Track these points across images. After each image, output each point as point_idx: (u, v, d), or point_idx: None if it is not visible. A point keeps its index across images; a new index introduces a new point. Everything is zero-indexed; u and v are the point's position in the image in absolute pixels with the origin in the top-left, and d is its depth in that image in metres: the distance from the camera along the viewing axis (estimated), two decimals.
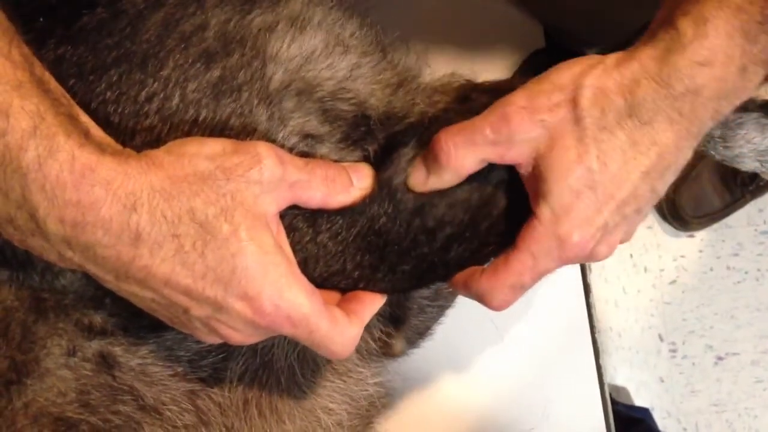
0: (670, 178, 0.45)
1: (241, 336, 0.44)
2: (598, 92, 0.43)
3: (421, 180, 0.47)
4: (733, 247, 1.49)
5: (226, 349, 0.51)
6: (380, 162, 0.49)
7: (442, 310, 0.68)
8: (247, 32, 0.48)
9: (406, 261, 0.48)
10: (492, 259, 0.48)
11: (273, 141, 0.47)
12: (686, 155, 0.45)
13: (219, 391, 0.52)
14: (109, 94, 0.46)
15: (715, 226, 1.48)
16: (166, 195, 0.40)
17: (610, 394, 1.29)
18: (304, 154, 0.48)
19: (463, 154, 0.45)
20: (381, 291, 0.50)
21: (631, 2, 0.78)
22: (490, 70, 0.54)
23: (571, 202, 0.43)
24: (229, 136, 0.46)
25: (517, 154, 0.44)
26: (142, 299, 0.43)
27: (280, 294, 0.42)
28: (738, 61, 0.41)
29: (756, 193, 1.44)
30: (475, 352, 0.72)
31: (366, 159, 0.49)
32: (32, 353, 0.47)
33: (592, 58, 0.45)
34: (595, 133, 0.43)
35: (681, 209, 1.45)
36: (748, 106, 0.58)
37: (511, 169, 0.46)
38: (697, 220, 1.46)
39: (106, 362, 0.49)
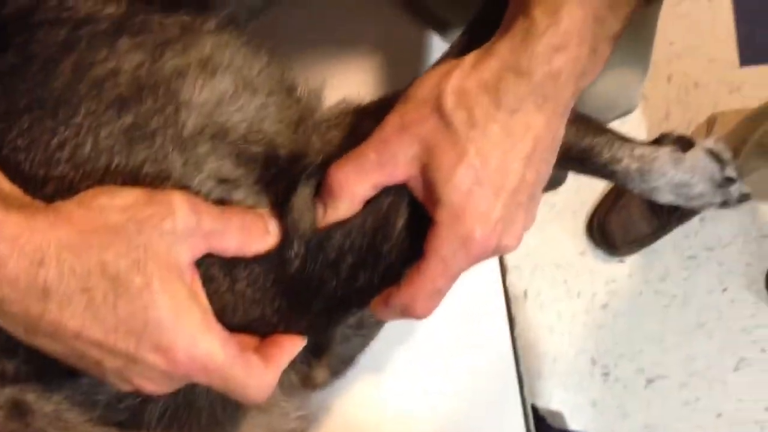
0: (552, 158, 0.48)
1: (155, 386, 0.44)
2: (460, 94, 0.45)
3: (320, 215, 0.48)
4: (660, 271, 1.54)
5: (144, 396, 0.51)
6: (289, 202, 0.49)
7: (366, 339, 0.69)
8: (160, 77, 0.48)
9: (319, 299, 0.49)
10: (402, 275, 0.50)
11: (188, 187, 0.47)
12: (560, 135, 0.47)
13: None
14: (20, 141, 0.45)
15: (644, 251, 1.53)
16: (74, 249, 0.40)
17: (545, 419, 1.31)
18: (220, 200, 0.48)
19: (353, 181, 0.47)
20: (300, 332, 0.50)
21: None
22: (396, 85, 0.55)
23: (463, 201, 0.45)
24: (143, 183, 0.45)
25: (403, 171, 0.46)
26: (54, 351, 0.43)
27: (194, 344, 0.42)
28: (590, 43, 0.44)
29: (682, 219, 1.49)
30: (399, 382, 0.73)
31: (280, 201, 0.50)
32: None
33: (447, 64, 0.47)
34: (467, 132, 0.44)
35: (611, 235, 1.49)
36: (663, 141, 0.61)
37: (401, 189, 0.48)
38: (627, 246, 1.50)
39: (18, 409, 0.48)
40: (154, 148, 0.46)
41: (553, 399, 1.49)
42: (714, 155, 0.59)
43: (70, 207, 0.41)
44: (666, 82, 1.60)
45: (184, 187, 0.46)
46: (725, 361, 1.52)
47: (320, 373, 0.64)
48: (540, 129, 0.45)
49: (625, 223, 1.49)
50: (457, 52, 0.53)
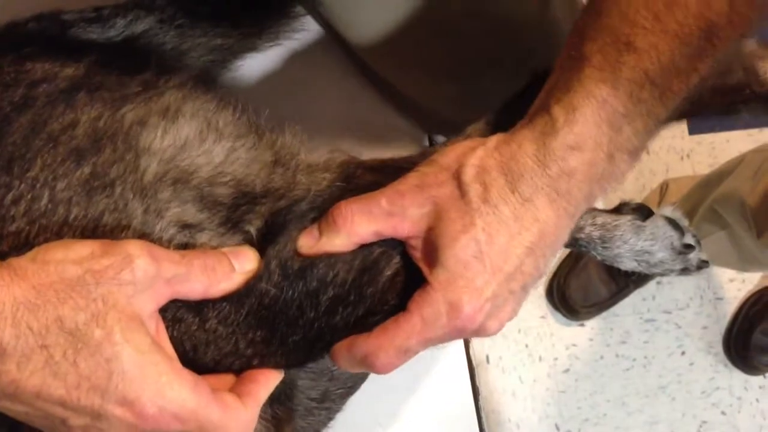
0: (551, 257, 0.48)
1: None
2: (480, 170, 0.46)
3: (311, 242, 0.48)
4: (620, 335, 1.55)
5: None
6: (266, 239, 0.49)
7: (330, 412, 0.67)
8: (119, 127, 0.48)
9: (296, 330, 0.48)
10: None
11: (150, 234, 0.46)
12: (565, 235, 0.48)
13: None
14: None
15: (604, 314, 1.54)
16: (30, 305, 0.39)
17: None
18: (183, 245, 0.47)
19: (359, 220, 0.47)
20: (275, 366, 0.49)
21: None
22: None
23: (461, 270, 0.45)
24: (102, 233, 0.45)
25: (409, 226, 0.47)
26: (17, 413, 0.41)
27: (162, 394, 0.41)
28: (606, 148, 0.45)
29: (639, 283, 1.52)
30: None
31: (248, 240, 0.50)
32: None
33: (474, 141, 0.48)
34: (479, 205, 0.45)
35: (570, 299, 1.50)
36: (623, 210, 0.63)
37: (396, 243, 0.48)
38: (586, 310, 1.51)
39: None
40: (114, 197, 0.46)
41: None
42: (673, 223, 0.60)
43: (23, 263, 0.41)
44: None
45: (144, 234, 0.46)
46: (687, 424, 1.52)
47: None
48: (548, 223, 0.46)
49: (585, 287, 1.51)
50: (484, 131, 0.55)
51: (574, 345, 1.54)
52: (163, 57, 0.55)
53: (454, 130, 0.86)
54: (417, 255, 0.48)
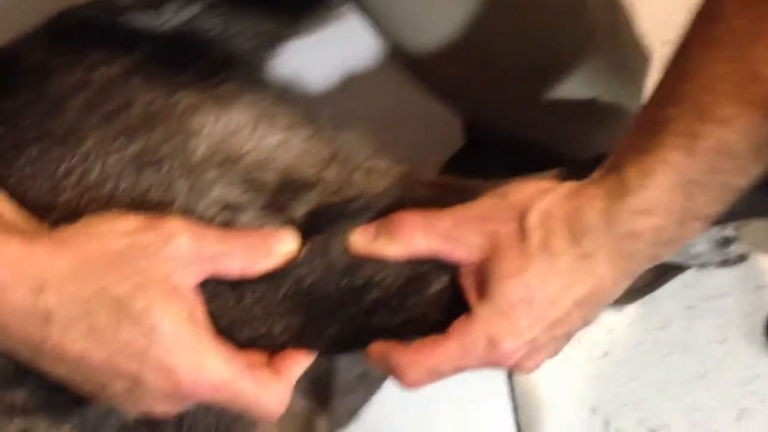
0: (602, 309, 0.49)
1: (163, 407, 0.45)
2: (546, 216, 0.47)
3: (366, 240, 0.50)
4: (660, 320, 1.54)
5: (152, 427, 0.51)
6: (311, 225, 0.50)
7: (370, 392, 0.69)
8: (172, 110, 0.50)
9: (333, 322, 0.50)
10: (413, 339, 0.50)
11: (193, 212, 0.48)
12: (620, 291, 0.48)
13: None
14: (27, 169, 0.47)
15: (643, 300, 1.53)
16: (75, 275, 0.41)
17: None
18: (225, 224, 0.49)
19: (418, 235, 0.49)
20: (308, 351, 0.51)
21: (536, 92, 0.83)
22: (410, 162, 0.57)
23: (506, 309, 0.46)
24: (148, 209, 0.47)
25: (464, 254, 0.48)
26: (60, 376, 0.44)
27: (197, 364, 0.43)
28: (677, 215, 0.45)
29: (680, 270, 1.50)
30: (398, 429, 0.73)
31: (291, 222, 0.51)
32: None
33: (547, 183, 0.49)
34: (537, 252, 0.46)
35: None
36: None
37: (447, 265, 0.49)
38: (626, 295, 1.50)
39: None
40: (161, 174, 0.48)
41: None
42: None
43: (71, 233, 0.43)
44: None
45: (188, 211, 0.48)
46: (727, 411, 1.50)
47: (322, 423, 0.65)
48: (604, 280, 0.47)
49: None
50: (561, 173, 0.56)
51: (612, 330, 1.53)
52: (214, 45, 0.57)
53: (491, 115, 0.86)
54: (467, 283, 0.49)
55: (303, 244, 0.49)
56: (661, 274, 1.48)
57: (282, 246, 0.49)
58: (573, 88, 0.83)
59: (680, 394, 1.51)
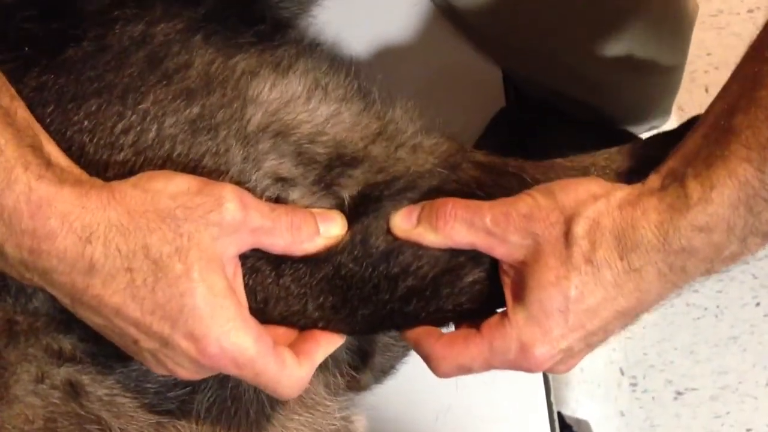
0: (642, 316, 0.47)
1: (186, 372, 0.45)
2: (594, 225, 0.44)
3: (407, 225, 0.48)
4: (692, 284, 1.52)
5: (193, 383, 0.51)
6: (356, 208, 0.49)
7: (407, 349, 0.69)
8: (230, 74, 0.48)
9: (367, 305, 0.49)
10: (448, 324, 0.50)
11: (245, 182, 0.47)
12: (664, 301, 0.46)
13: (186, 423, 0.52)
14: (86, 123, 0.46)
15: None
16: (122, 229, 0.41)
17: (572, 427, 1.30)
18: (275, 198, 0.48)
19: (459, 228, 0.47)
20: (339, 332, 0.50)
21: (576, 44, 0.81)
22: (455, 126, 0.55)
23: (542, 317, 0.44)
24: (201, 174, 0.46)
25: (505, 252, 0.46)
26: (97, 325, 0.44)
27: (226, 337, 0.43)
28: (739, 232, 0.42)
29: None
30: (431, 389, 0.73)
31: (340, 206, 0.50)
32: (2, 379, 0.47)
33: (600, 186, 0.46)
34: (580, 263, 0.44)
35: None
36: None
37: (486, 257, 0.48)
38: None
39: (74, 390, 0.49)
40: (217, 140, 0.47)
41: (580, 408, 1.48)
42: None
43: (124, 187, 0.43)
44: (703, 92, 1.59)
45: (240, 182, 0.47)
46: (757, 375, 1.50)
47: (365, 377, 0.65)
48: (649, 293, 0.44)
49: None
50: (615, 162, 0.52)
51: None
52: (271, 6, 0.55)
53: (531, 65, 0.84)
54: (506, 281, 0.47)
55: (348, 229, 0.48)
56: None
57: (329, 229, 0.48)
58: (614, 42, 0.81)
59: (710, 357, 1.51)
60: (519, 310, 0.45)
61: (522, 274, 0.45)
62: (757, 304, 1.52)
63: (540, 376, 0.76)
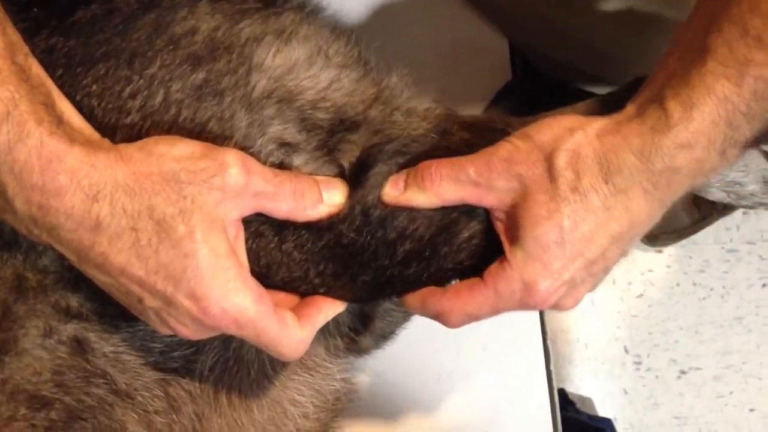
0: (638, 240, 0.48)
1: (188, 331, 0.46)
2: (575, 156, 0.45)
3: (396, 192, 0.49)
4: (699, 263, 1.53)
5: (197, 343, 0.52)
6: (356, 176, 0.50)
7: (407, 315, 0.70)
8: (236, 40, 0.49)
9: (367, 272, 0.50)
10: (451, 282, 0.50)
11: (250, 148, 0.48)
12: (656, 221, 0.47)
13: (190, 381, 0.54)
14: (94, 87, 0.47)
15: (683, 242, 1.51)
16: (128, 190, 0.42)
17: (575, 404, 1.31)
18: (279, 164, 0.49)
19: (446, 185, 0.48)
20: (340, 299, 0.51)
21: (587, 19, 0.80)
22: (461, 98, 0.56)
23: (540, 253, 0.45)
24: (207, 139, 0.47)
25: (494, 199, 0.47)
26: (103, 283, 0.45)
27: (227, 298, 0.44)
28: (719, 146, 0.43)
29: (724, 212, 1.47)
30: (432, 358, 0.74)
31: (341, 174, 0.51)
32: (11, 332, 0.48)
33: (574, 119, 0.47)
34: (567, 193, 0.45)
35: None
36: None
37: (478, 210, 0.49)
38: (666, 236, 1.49)
39: (80, 346, 0.50)
40: (222, 106, 0.48)
41: (583, 385, 1.49)
42: (767, 155, 0.59)
43: (130, 150, 0.44)
44: None
45: (245, 147, 0.48)
46: (762, 356, 1.50)
47: (365, 340, 0.66)
48: (639, 214, 0.45)
49: (666, 214, 1.47)
50: (587, 109, 0.54)
51: (650, 271, 1.53)
52: None
53: (537, 35, 0.84)
54: (500, 227, 0.48)
55: (349, 195, 0.49)
56: (707, 215, 1.46)
57: (331, 196, 0.49)
58: (619, 3, 0.80)
59: (714, 337, 1.51)
60: (517, 251, 0.46)
61: (514, 217, 0.46)
62: (763, 285, 1.51)
63: (541, 350, 0.77)
